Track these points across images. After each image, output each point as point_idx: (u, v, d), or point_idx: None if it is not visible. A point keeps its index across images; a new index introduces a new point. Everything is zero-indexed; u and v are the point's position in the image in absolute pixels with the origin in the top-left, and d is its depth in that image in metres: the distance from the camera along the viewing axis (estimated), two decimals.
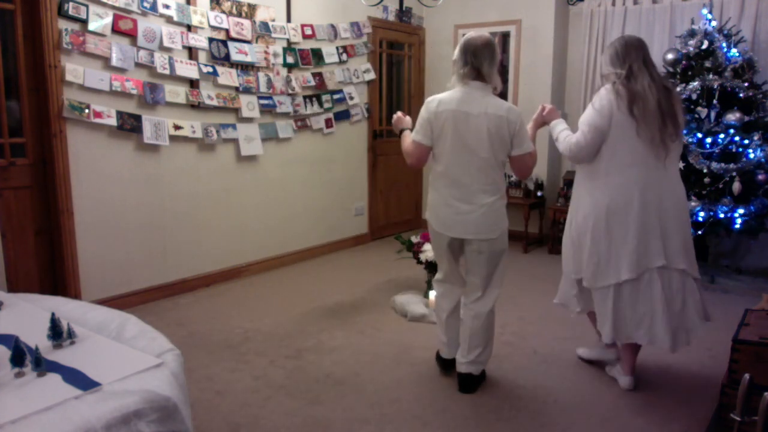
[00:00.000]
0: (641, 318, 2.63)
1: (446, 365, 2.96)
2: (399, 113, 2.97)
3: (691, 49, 4.55)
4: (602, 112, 2.58)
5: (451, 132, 2.60)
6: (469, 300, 2.80)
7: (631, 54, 2.61)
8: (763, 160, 4.31)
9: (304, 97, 4.97)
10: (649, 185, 2.57)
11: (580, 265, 2.76)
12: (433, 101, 2.69)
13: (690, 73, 4.58)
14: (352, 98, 5.41)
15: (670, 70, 4.73)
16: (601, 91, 2.65)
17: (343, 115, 5.38)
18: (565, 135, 2.76)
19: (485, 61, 2.60)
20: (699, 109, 4.46)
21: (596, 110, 2.60)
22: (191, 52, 4.12)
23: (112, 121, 3.65)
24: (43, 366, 1.52)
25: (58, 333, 1.69)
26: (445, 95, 2.68)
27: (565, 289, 2.98)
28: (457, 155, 2.61)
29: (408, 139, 2.78)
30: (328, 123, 5.22)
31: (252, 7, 4.49)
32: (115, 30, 3.65)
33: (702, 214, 4.37)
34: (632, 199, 2.57)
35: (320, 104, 5.11)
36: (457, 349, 2.87)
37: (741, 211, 4.34)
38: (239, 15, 4.40)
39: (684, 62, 4.59)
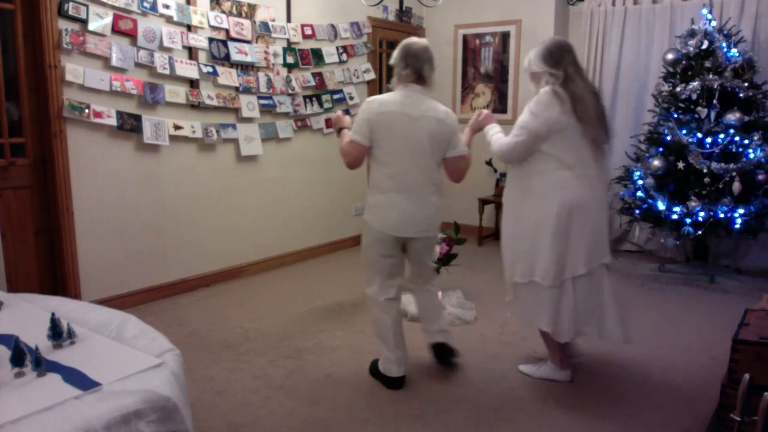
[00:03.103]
0: (591, 313, 2.72)
1: (398, 383, 2.82)
2: (339, 112, 3.00)
3: (691, 49, 4.55)
4: (540, 117, 2.60)
5: (395, 134, 2.64)
6: (418, 285, 2.97)
7: (566, 57, 2.65)
8: (763, 160, 4.31)
9: (304, 97, 4.97)
10: (593, 184, 2.68)
11: (533, 266, 2.72)
12: (374, 102, 2.71)
13: (690, 73, 4.58)
14: (352, 98, 5.41)
15: (670, 70, 4.74)
16: (540, 95, 2.65)
17: None
18: (497, 137, 2.82)
19: (426, 65, 2.68)
20: (699, 109, 4.46)
21: (534, 115, 2.63)
22: (191, 52, 4.12)
23: (112, 121, 3.65)
24: (43, 366, 1.52)
25: (58, 333, 1.69)
26: (386, 97, 2.71)
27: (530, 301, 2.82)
28: (402, 156, 2.66)
29: (346, 138, 2.77)
30: (328, 123, 5.22)
31: (252, 7, 4.49)
32: (115, 30, 3.65)
33: (702, 214, 4.37)
34: (584, 198, 2.64)
35: (320, 104, 5.11)
36: (406, 364, 2.84)
37: (741, 211, 4.34)
38: (239, 15, 4.40)
39: (684, 62, 4.59)
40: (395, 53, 2.73)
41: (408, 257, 2.88)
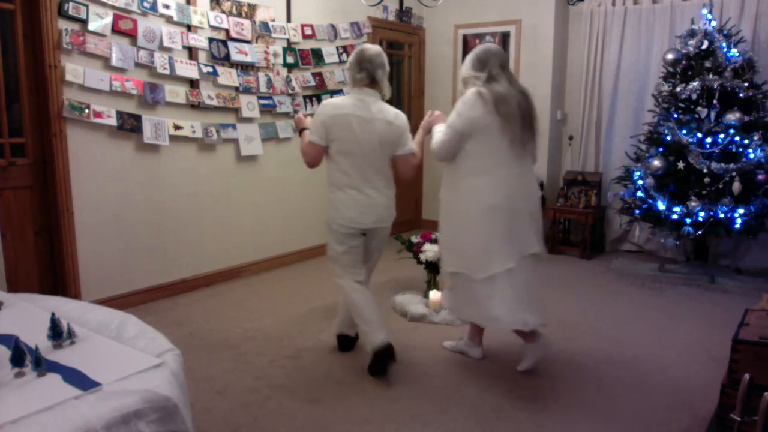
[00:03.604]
0: (527, 302, 2.83)
1: (388, 353, 2.86)
2: (300, 113, 3.21)
3: (691, 49, 4.55)
4: (464, 116, 2.75)
5: (349, 134, 2.84)
6: (362, 282, 3.07)
7: (491, 60, 2.80)
8: (763, 160, 4.31)
9: (304, 97, 4.97)
10: (515, 181, 2.80)
11: (462, 259, 2.89)
12: (328, 105, 2.92)
13: (690, 73, 4.58)
14: None
15: (670, 70, 4.74)
16: (465, 96, 2.80)
17: None
18: (437, 136, 2.95)
19: (379, 69, 2.88)
20: (699, 109, 4.46)
21: (459, 114, 2.78)
22: (191, 52, 4.12)
23: (112, 121, 3.65)
24: (43, 366, 1.52)
25: (58, 333, 1.69)
26: (340, 100, 2.94)
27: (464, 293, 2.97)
28: (356, 155, 2.87)
29: (306, 139, 2.96)
30: None
31: (252, 7, 4.49)
32: (115, 30, 3.65)
33: (702, 214, 4.38)
34: (504, 195, 2.77)
35: (320, 104, 5.11)
36: (390, 333, 2.96)
37: (741, 211, 4.34)
38: (239, 15, 4.40)
39: (684, 62, 4.59)
40: (350, 58, 2.94)
41: (366, 250, 3.08)
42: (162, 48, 3.91)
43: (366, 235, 3.01)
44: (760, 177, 4.34)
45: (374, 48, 2.92)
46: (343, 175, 2.92)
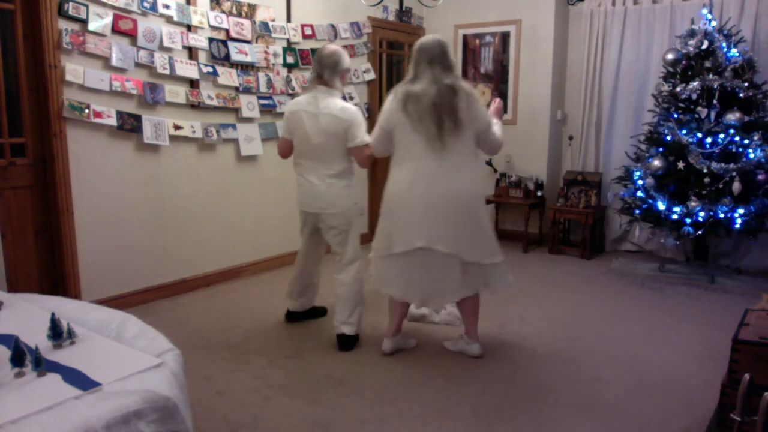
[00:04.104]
0: (433, 290, 3.00)
1: (288, 316, 3.69)
2: None
3: (691, 49, 4.55)
4: (384, 114, 2.98)
5: (301, 128, 3.18)
6: (336, 272, 3.36)
7: (420, 57, 2.90)
8: (763, 160, 4.31)
9: None
10: (433, 177, 2.87)
11: (377, 238, 3.12)
12: (290, 103, 3.35)
13: (690, 73, 4.58)
14: (352, 98, 5.41)
15: (670, 70, 4.73)
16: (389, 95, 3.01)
17: None
18: None
19: (327, 69, 3.16)
20: (699, 109, 4.46)
21: (382, 112, 3.01)
22: (191, 52, 4.12)
23: (112, 121, 3.65)
24: (43, 366, 1.52)
25: (58, 333, 1.69)
26: (300, 98, 3.28)
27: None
28: (308, 146, 3.20)
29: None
30: None
31: (252, 7, 4.49)
32: (115, 30, 3.65)
33: (702, 214, 4.38)
34: (410, 188, 2.91)
35: None
36: (298, 302, 3.65)
37: (741, 211, 4.34)
38: (239, 15, 4.40)
39: (684, 62, 4.59)
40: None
41: (322, 237, 3.42)
42: (162, 48, 3.91)
43: (315, 223, 3.36)
44: (760, 177, 4.34)
45: (328, 49, 3.20)
46: (297, 165, 3.33)
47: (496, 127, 3.04)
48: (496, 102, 3.22)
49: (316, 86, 3.19)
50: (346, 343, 3.27)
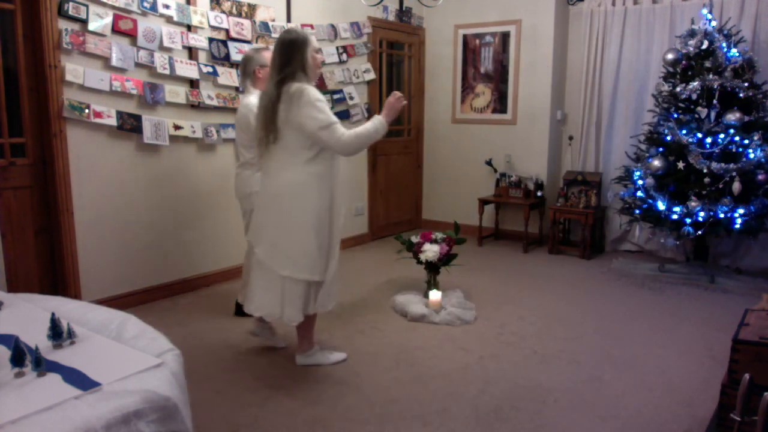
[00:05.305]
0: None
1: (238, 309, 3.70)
2: None
3: (691, 49, 4.55)
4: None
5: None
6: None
7: (271, 66, 2.85)
8: (763, 160, 4.31)
9: None
10: (264, 181, 2.91)
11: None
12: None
13: (690, 73, 4.58)
14: (352, 98, 5.41)
15: (670, 70, 4.73)
16: None
17: (343, 116, 5.37)
18: None
19: (241, 70, 3.40)
20: (699, 109, 4.46)
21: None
22: (191, 52, 4.12)
23: (112, 121, 3.65)
24: (43, 366, 1.52)
25: (58, 333, 1.69)
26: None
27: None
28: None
29: None
30: None
31: (252, 7, 4.49)
32: (115, 30, 3.65)
33: (702, 214, 4.37)
34: (260, 186, 2.98)
35: None
36: (245, 297, 3.25)
37: (741, 211, 4.34)
38: (239, 15, 4.40)
39: (684, 62, 4.59)
40: None
41: None
42: (162, 48, 3.91)
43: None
44: (760, 177, 4.34)
45: (247, 53, 3.46)
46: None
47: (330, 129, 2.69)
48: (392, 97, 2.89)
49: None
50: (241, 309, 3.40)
